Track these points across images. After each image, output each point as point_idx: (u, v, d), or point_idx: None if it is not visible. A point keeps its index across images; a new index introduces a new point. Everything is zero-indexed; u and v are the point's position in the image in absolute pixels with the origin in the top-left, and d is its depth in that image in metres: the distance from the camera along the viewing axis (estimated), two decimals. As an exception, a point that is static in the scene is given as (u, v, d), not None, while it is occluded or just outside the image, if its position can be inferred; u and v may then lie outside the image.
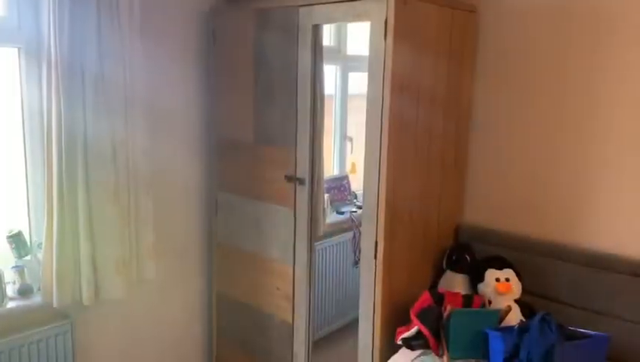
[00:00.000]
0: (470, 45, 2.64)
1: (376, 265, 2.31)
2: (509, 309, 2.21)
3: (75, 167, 2.38)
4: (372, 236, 2.31)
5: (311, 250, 2.64)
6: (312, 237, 2.64)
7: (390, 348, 2.36)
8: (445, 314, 2.16)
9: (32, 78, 2.40)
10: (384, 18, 2.15)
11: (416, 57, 2.31)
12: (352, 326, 3.94)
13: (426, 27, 2.35)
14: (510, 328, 2.10)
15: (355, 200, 4.13)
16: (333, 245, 3.68)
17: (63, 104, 2.30)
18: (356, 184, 4.25)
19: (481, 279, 2.43)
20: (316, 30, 2.46)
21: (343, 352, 3.65)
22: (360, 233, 3.94)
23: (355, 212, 3.97)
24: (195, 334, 3.13)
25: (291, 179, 2.61)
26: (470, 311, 2.21)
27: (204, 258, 3.10)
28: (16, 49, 2.39)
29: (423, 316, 2.21)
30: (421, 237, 2.52)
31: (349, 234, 3.84)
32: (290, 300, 2.70)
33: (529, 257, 2.52)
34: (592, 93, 2.38)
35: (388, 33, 2.16)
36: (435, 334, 2.18)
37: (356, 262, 3.96)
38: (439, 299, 2.26)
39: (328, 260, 3.63)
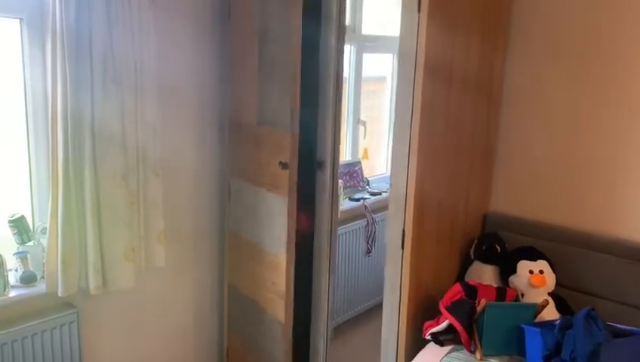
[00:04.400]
0: (503, 23, 2.49)
1: (403, 255, 2.17)
2: (546, 303, 2.08)
3: (82, 147, 2.23)
4: (399, 224, 2.17)
5: (332, 238, 2.50)
6: (335, 224, 2.50)
7: (416, 344, 2.23)
8: (479, 308, 2.03)
9: (35, 52, 2.24)
10: (418, -10, 1.99)
11: (450, 34, 2.16)
12: (363, 317, 3.84)
13: (459, 2, 2.19)
14: (549, 324, 1.98)
15: (367, 187, 4.00)
16: (344, 233, 3.55)
17: (69, 79, 2.14)
18: (368, 170, 4.11)
19: (513, 271, 2.30)
20: (341, 5, 2.31)
21: (355, 343, 3.54)
22: (373, 221, 3.84)
23: (368, 199, 3.84)
24: (206, 326, 2.99)
25: (286, 165, 2.39)
26: (505, 305, 2.08)
27: (216, 246, 2.94)
28: (17, 20, 2.22)
29: (454, 309, 2.08)
30: (449, 225, 2.39)
31: (362, 222, 3.72)
32: (282, 296, 2.50)
33: (562, 248, 2.39)
34: (636, 71, 2.23)
35: (422, 7, 2.00)
36: (468, 329, 2.05)
37: (369, 251, 3.85)
38: (471, 291, 2.13)
39: (339, 249, 3.49)
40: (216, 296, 2.99)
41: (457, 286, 2.16)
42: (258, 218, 2.60)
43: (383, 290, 4.12)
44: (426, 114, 2.08)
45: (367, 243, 3.77)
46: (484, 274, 2.37)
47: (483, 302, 2.02)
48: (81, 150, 2.23)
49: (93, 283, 2.30)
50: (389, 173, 4.47)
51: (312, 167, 2.62)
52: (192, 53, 2.69)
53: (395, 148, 2.15)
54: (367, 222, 3.75)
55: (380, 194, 3.95)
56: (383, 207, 3.98)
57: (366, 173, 4.01)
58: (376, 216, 3.81)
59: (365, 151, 4.13)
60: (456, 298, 2.12)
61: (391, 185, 2.20)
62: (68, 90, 2.15)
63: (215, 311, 3.00)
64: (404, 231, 2.16)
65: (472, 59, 2.32)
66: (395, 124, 2.15)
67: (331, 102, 2.36)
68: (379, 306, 4.02)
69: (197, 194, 2.82)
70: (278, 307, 2.51)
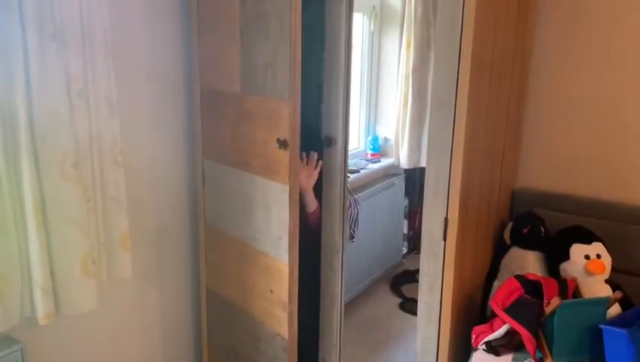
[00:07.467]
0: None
1: (445, 249, 1.76)
2: (619, 296, 1.75)
3: (15, 128, 1.63)
4: (440, 211, 1.75)
5: (343, 228, 2.07)
6: (345, 210, 2.06)
7: (460, 354, 1.85)
8: (549, 309, 1.66)
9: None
10: None
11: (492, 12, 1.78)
12: (346, 309, 3.45)
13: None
14: (630, 320, 1.64)
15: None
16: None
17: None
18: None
19: (563, 257, 1.95)
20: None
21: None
22: (355, 202, 3.41)
23: (347, 177, 3.41)
24: (181, 344, 2.46)
25: (285, 143, 1.81)
26: (579, 303, 1.73)
27: (190, 245, 2.39)
28: None
29: (517, 312, 1.70)
30: (486, 207, 2.00)
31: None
32: (285, 308, 1.98)
33: (610, 225, 2.07)
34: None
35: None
36: (534, 334, 1.68)
37: (352, 237, 3.42)
38: (532, 287, 1.75)
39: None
40: (194, 305, 2.45)
41: (513, 282, 1.78)
42: (245, 209, 2.09)
43: (368, 279, 3.76)
44: (475, 70, 1.66)
45: (350, 227, 3.35)
46: (526, 262, 2.01)
47: (555, 301, 1.65)
48: (15, 132, 1.63)
49: (42, 310, 1.72)
50: (362, 148, 4.10)
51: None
52: (153, 3, 2.11)
53: (434, 110, 1.72)
54: (349, 204, 3.31)
55: (358, 171, 3.54)
56: (363, 185, 3.59)
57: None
58: (358, 196, 3.39)
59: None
60: (514, 296, 1.74)
61: (428, 159, 1.77)
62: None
63: (192, 323, 2.48)
64: (446, 219, 1.74)
65: (509, 34, 1.94)
66: (434, 92, 1.72)
67: (343, 70, 1.90)
68: (360, 296, 3.67)
69: (164, 181, 2.27)
70: (280, 320, 2.04)
